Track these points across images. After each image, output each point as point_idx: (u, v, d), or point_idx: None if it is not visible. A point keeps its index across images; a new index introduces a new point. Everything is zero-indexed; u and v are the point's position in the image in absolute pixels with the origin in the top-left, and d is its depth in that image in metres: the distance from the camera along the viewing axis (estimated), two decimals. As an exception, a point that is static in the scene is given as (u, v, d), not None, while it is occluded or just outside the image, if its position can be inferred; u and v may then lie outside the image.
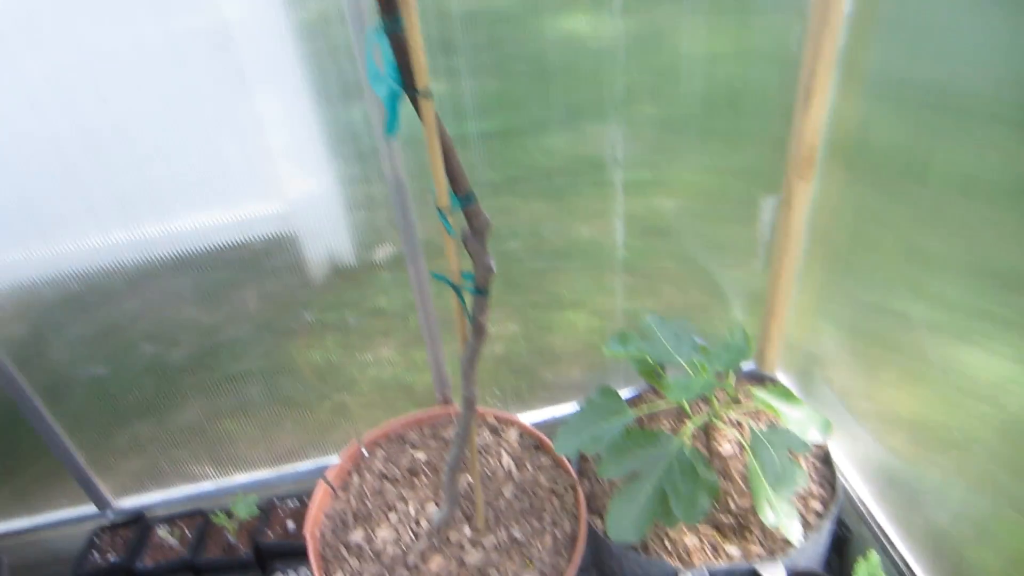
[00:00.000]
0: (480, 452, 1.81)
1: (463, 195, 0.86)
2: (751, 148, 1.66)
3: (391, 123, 0.78)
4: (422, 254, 1.67)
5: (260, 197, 1.62)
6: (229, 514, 1.92)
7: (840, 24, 1.25)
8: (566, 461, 1.76)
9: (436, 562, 1.55)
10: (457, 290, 1.04)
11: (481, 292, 0.99)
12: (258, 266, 1.67)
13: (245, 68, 1.43)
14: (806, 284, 1.77)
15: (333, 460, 1.90)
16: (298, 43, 1.42)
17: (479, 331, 1.04)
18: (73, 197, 1.52)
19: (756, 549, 1.53)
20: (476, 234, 0.94)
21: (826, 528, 1.56)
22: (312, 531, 1.65)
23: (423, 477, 1.77)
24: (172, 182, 1.54)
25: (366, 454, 1.86)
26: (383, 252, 1.72)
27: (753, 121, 1.61)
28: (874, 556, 1.39)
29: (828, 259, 1.67)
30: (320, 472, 1.80)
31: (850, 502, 1.70)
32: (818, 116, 1.35)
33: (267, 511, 1.95)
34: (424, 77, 0.72)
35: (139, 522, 2.02)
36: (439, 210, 0.89)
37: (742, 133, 1.64)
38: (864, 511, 1.64)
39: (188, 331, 1.73)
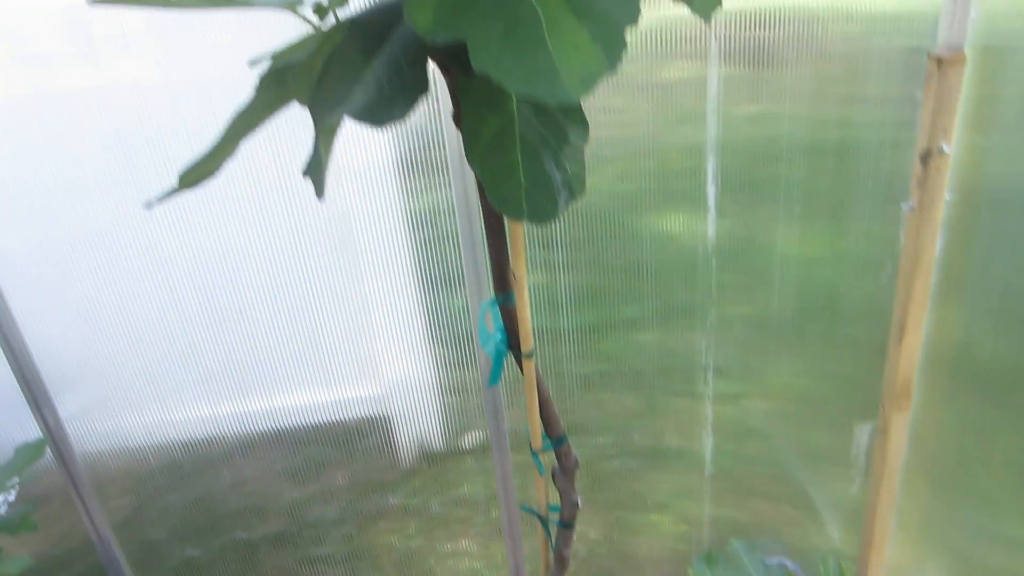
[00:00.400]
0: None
1: (556, 438, 0.87)
2: (847, 354, 1.62)
3: (495, 376, 0.82)
4: (508, 444, 1.68)
5: (358, 378, 1.68)
6: None
7: (932, 266, 1.26)
8: None
9: None
10: (544, 522, 1.04)
11: (567, 526, 0.99)
12: (350, 446, 1.70)
13: (360, 253, 1.52)
14: (908, 506, 1.66)
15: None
16: (409, 231, 1.51)
17: (562, 564, 1.03)
18: (191, 368, 1.61)
19: None
20: (565, 472, 0.95)
21: None
22: None
23: None
24: (281, 360, 1.62)
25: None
26: (470, 439, 1.73)
27: (849, 327, 1.58)
28: None
29: (932, 479, 1.57)
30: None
31: None
32: (912, 349, 1.34)
33: None
34: (529, 342, 0.76)
35: None
36: (532, 450, 0.90)
37: (838, 338, 1.61)
38: None
39: (277, 507, 1.77)
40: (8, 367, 1.53)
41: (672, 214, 1.53)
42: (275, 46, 0.57)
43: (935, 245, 1.24)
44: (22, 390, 1.55)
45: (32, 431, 1.59)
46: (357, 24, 0.48)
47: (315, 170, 0.46)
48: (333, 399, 1.67)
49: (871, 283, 1.51)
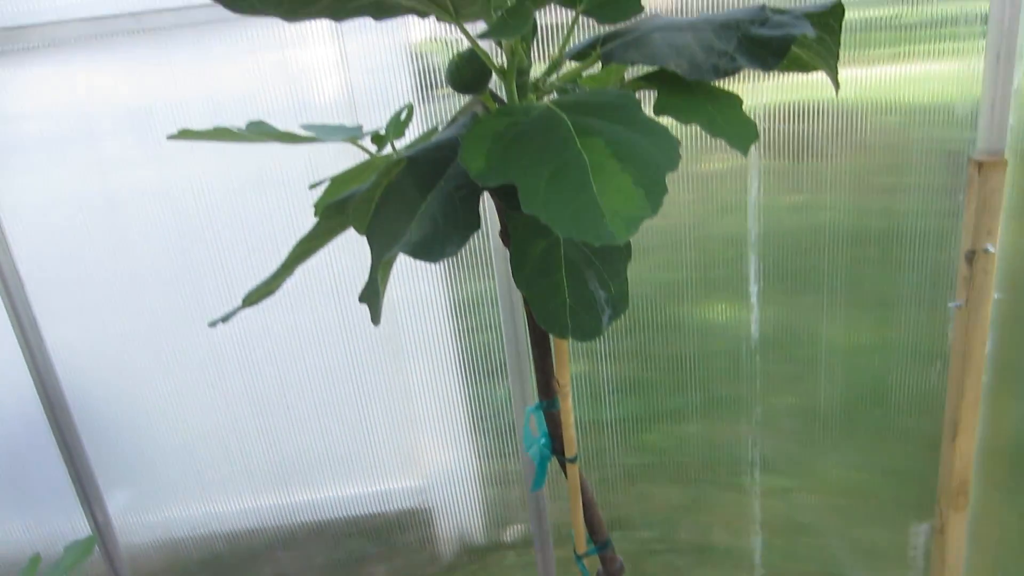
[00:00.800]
0: None
1: (600, 542, 0.86)
2: (899, 447, 1.58)
3: (539, 481, 0.82)
4: (551, 539, 1.65)
5: (400, 470, 1.68)
6: None
7: (983, 364, 1.25)
8: None
9: None
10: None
11: (613, 630, 0.96)
12: (391, 539, 1.69)
13: (404, 343, 1.54)
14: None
15: None
16: (452, 320, 1.53)
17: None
18: (236, 460, 1.63)
19: None
20: (611, 577, 0.93)
21: None
22: None
23: None
24: (324, 451, 1.63)
25: None
26: (513, 533, 1.70)
27: (900, 419, 1.55)
28: None
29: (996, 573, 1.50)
30: None
31: None
32: (967, 447, 1.31)
33: None
34: (573, 448, 0.77)
35: None
36: (576, 555, 0.89)
37: (889, 431, 1.57)
38: None
39: (316, 602, 1.75)
40: (63, 464, 1.57)
41: (715, 304, 1.53)
42: (333, 167, 0.60)
43: (985, 343, 1.22)
44: (74, 486, 1.58)
45: (80, 524, 1.62)
46: (413, 161, 0.51)
47: (372, 298, 0.48)
48: (374, 491, 1.67)
49: (921, 375, 1.49)
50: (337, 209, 0.54)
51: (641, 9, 0.52)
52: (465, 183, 0.49)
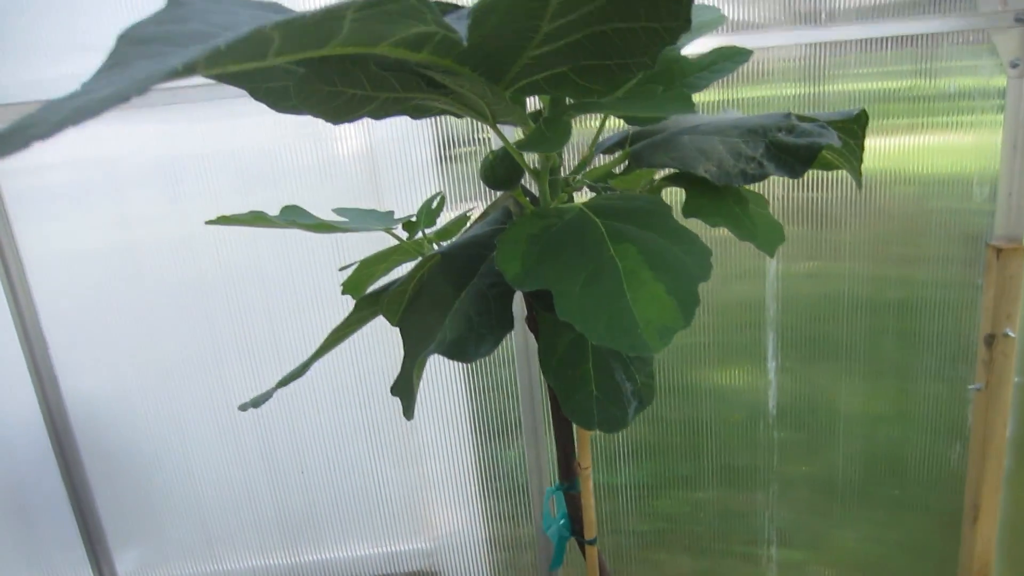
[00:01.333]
0: None
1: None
2: (918, 522, 1.55)
3: (556, 561, 0.82)
4: (562, 608, 1.62)
5: (410, 532, 1.66)
6: None
7: (1004, 448, 1.24)
8: None
9: None
10: None
11: None
12: (399, 602, 1.67)
13: (416, 403, 1.54)
14: None
15: None
16: (466, 379, 1.53)
17: None
18: (246, 517, 1.62)
19: None
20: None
21: None
22: None
23: None
24: (334, 512, 1.62)
25: None
26: (522, 598, 1.68)
27: (919, 494, 1.53)
28: None
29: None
30: None
31: None
32: (988, 531, 1.29)
33: None
34: (593, 530, 0.76)
35: None
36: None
37: (907, 506, 1.54)
38: None
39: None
40: (74, 518, 1.56)
41: (732, 369, 1.53)
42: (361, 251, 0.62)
43: (1006, 427, 1.22)
44: (84, 541, 1.57)
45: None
46: (448, 256, 0.52)
47: (406, 393, 0.49)
48: (383, 552, 1.65)
49: (940, 452, 1.47)
50: (370, 301, 0.55)
51: (666, 116, 0.53)
52: (499, 281, 0.50)
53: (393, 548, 1.65)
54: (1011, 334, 1.13)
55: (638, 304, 0.43)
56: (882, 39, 1.26)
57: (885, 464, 1.52)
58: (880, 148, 1.35)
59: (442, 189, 1.41)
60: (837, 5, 1.29)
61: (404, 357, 0.51)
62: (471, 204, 1.42)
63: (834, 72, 1.33)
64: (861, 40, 1.26)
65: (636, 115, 0.42)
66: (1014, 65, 1.16)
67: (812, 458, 1.55)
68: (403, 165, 1.40)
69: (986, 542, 1.31)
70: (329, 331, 1.44)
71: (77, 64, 1.34)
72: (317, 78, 0.43)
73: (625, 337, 0.42)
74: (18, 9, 1.32)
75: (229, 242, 1.44)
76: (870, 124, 1.33)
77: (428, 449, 1.59)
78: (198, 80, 1.28)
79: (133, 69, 0.31)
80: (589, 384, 0.58)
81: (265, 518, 1.62)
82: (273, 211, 1.39)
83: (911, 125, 1.34)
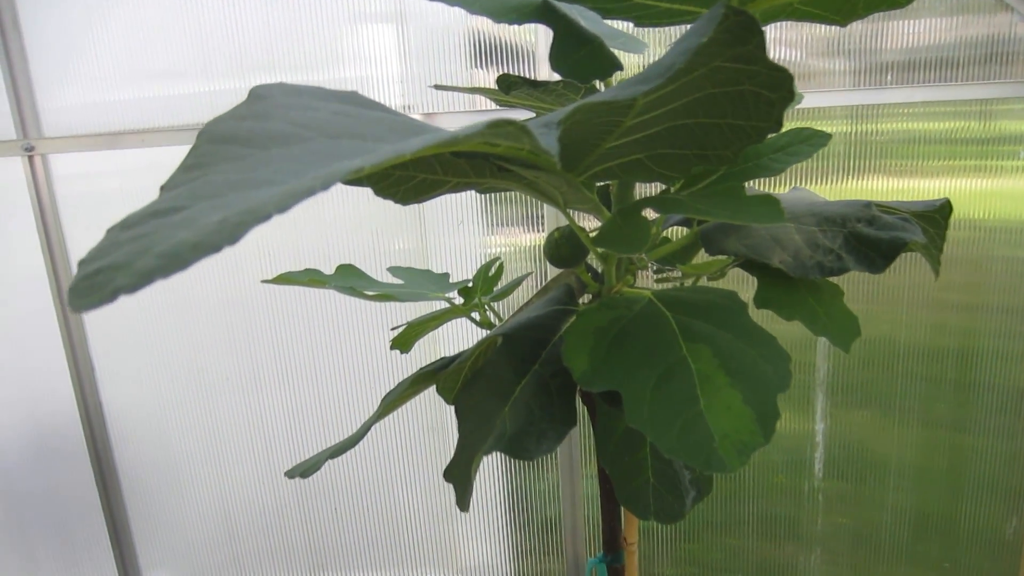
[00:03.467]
0: None
1: None
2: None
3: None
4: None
5: (436, 563, 1.64)
6: None
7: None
8: None
9: None
10: None
11: None
12: (423, 635, 1.65)
13: (449, 432, 1.53)
14: None
15: None
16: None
17: None
18: (275, 542, 1.62)
19: None
20: None
21: None
22: None
23: None
24: (361, 539, 1.61)
25: None
26: (549, 636, 1.65)
27: (970, 559, 1.47)
28: None
29: None
30: None
31: None
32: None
33: None
34: (635, 604, 0.73)
35: None
36: None
37: (954, 567, 1.49)
38: None
39: None
40: (108, 537, 1.58)
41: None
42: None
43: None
44: (116, 561, 1.59)
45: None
46: (508, 339, 0.51)
47: (461, 483, 0.47)
48: (410, 583, 1.64)
49: (995, 518, 1.42)
50: (426, 376, 0.54)
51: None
52: (562, 370, 0.49)
53: (420, 580, 1.64)
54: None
55: (712, 413, 0.41)
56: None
57: (935, 523, 1.48)
58: (942, 190, 1.31)
59: (486, 211, 1.40)
60: (903, 59, 1.26)
61: (460, 444, 0.49)
62: (516, 228, 1.41)
63: (891, 111, 1.30)
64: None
65: (719, 219, 0.41)
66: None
67: (857, 511, 1.51)
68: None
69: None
70: (366, 358, 1.43)
71: (141, 89, 1.36)
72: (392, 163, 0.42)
73: (699, 452, 0.40)
74: (83, 34, 1.34)
75: (273, 261, 1.44)
76: (932, 163, 1.30)
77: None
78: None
79: (218, 182, 0.30)
80: (646, 471, 0.56)
81: (294, 541, 1.62)
82: (316, 230, 1.41)
83: (976, 168, 1.30)
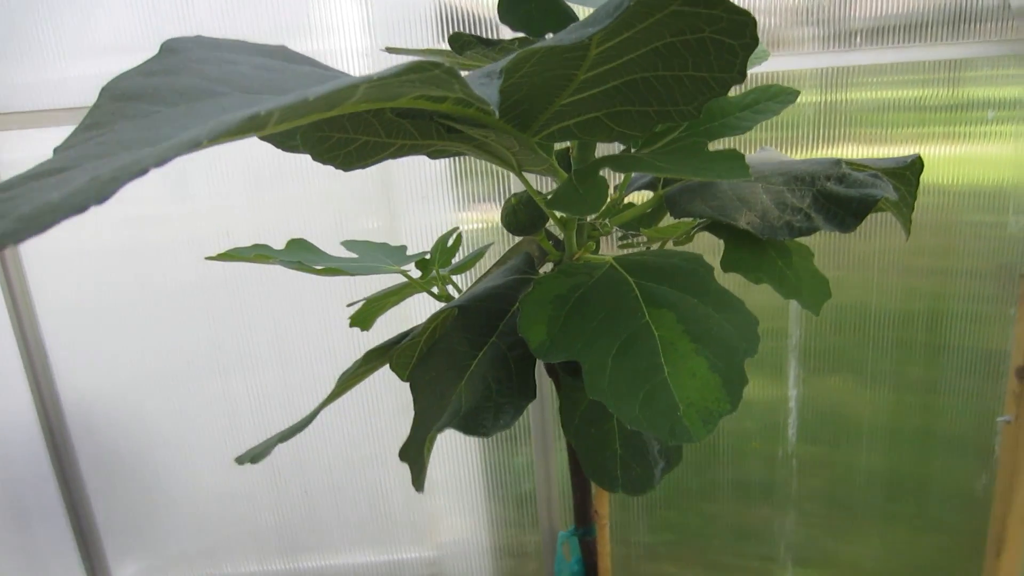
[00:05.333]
0: None
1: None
2: (939, 546, 1.52)
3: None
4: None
5: (413, 539, 1.63)
6: None
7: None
8: None
9: None
10: None
11: None
12: (402, 612, 1.64)
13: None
14: None
15: None
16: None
17: None
18: (246, 524, 1.59)
19: None
20: None
21: None
22: None
23: None
24: (335, 518, 1.59)
25: None
26: (526, 608, 1.65)
27: (941, 516, 1.49)
28: None
29: None
30: None
31: None
32: (1012, 567, 1.26)
33: None
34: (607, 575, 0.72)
35: None
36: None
37: (928, 527, 1.51)
38: None
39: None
40: (71, 530, 1.54)
41: (752, 377, 1.49)
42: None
43: (1035, 460, 1.18)
44: (80, 554, 1.55)
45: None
46: (464, 310, 0.48)
47: (415, 463, 0.45)
48: (386, 560, 1.63)
49: (965, 475, 1.43)
50: (379, 352, 0.51)
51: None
52: (520, 342, 0.46)
53: (397, 556, 1.62)
54: (1045, 367, 1.09)
55: (677, 381, 0.39)
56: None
57: (907, 484, 1.49)
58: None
59: (454, 186, 1.37)
60: (872, 25, 1.24)
61: (415, 422, 0.47)
62: (485, 204, 1.38)
63: (861, 79, 1.28)
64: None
65: (683, 176, 0.38)
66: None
67: (831, 474, 1.52)
68: (415, 161, 1.36)
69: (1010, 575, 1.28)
70: (331, 338, 1.40)
71: (93, 65, 1.30)
72: (327, 125, 0.39)
73: (664, 422, 0.38)
74: (32, 9, 1.28)
75: (233, 242, 1.40)
76: (901, 131, 1.29)
77: (433, 455, 1.54)
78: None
79: (112, 141, 0.27)
80: (613, 443, 0.54)
81: (266, 524, 1.59)
82: (282, 210, 1.37)
83: (944, 134, 1.29)
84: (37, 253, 1.40)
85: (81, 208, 0.17)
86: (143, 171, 0.18)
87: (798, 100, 0.53)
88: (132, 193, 1.08)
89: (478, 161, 1.35)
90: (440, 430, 0.42)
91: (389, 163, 1.36)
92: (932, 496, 1.48)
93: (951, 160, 1.30)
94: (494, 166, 1.17)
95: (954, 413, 1.42)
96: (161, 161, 0.18)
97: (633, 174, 0.58)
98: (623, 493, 0.54)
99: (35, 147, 1.36)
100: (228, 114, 0.24)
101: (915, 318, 1.39)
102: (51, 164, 0.25)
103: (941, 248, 1.37)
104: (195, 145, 0.19)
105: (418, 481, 0.44)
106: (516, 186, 1.34)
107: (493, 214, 1.39)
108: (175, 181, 1.37)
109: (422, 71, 0.24)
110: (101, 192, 0.17)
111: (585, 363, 0.40)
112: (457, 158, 1.35)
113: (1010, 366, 1.13)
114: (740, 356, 0.40)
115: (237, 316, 1.44)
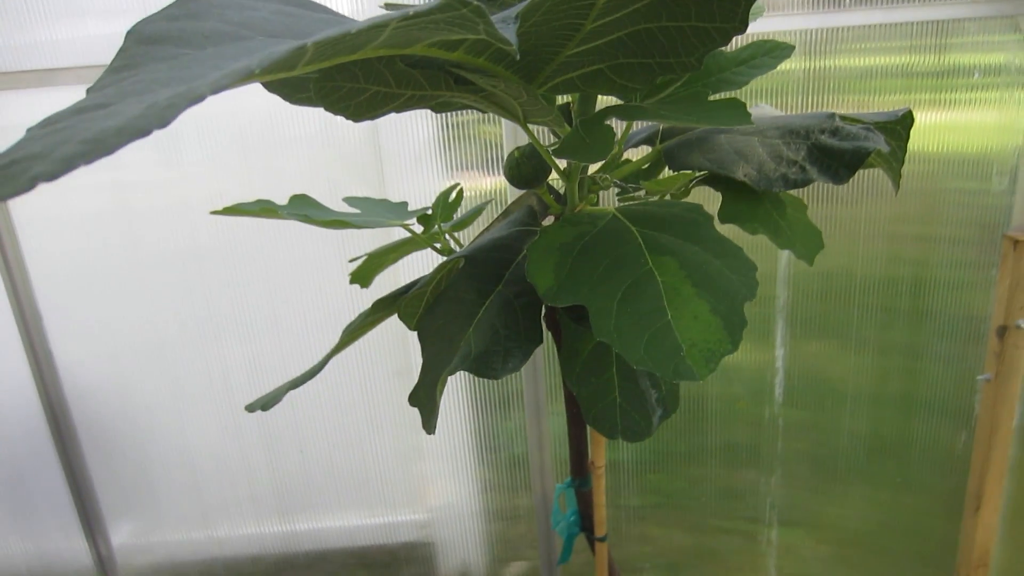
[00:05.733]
0: None
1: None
2: (920, 506, 1.56)
3: (565, 555, 0.81)
4: (559, 579, 1.63)
5: (404, 503, 1.66)
6: None
7: (1009, 440, 1.24)
8: None
9: None
10: None
11: None
12: (391, 572, 1.67)
13: (414, 372, 1.52)
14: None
15: None
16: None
17: None
18: (241, 486, 1.61)
19: None
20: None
21: None
22: None
23: None
24: (329, 481, 1.61)
25: None
26: (515, 570, 1.68)
27: (922, 475, 1.53)
28: None
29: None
30: None
31: None
32: (990, 520, 1.30)
33: None
34: (603, 527, 0.75)
35: None
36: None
37: (910, 486, 1.55)
38: None
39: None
40: (67, 487, 1.55)
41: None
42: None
43: (1012, 418, 1.21)
44: (78, 515, 1.56)
45: (79, 545, 1.60)
46: (471, 260, 0.49)
47: (426, 406, 0.47)
48: (378, 523, 1.65)
49: (945, 434, 1.47)
50: (387, 303, 0.53)
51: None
52: (526, 290, 0.48)
53: (388, 519, 1.65)
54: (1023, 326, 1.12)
55: (680, 324, 0.41)
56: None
57: (890, 445, 1.52)
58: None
59: (444, 154, 1.38)
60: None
61: (424, 367, 0.48)
62: (475, 172, 1.38)
63: (848, 46, 1.29)
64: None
65: (685, 124, 0.39)
66: (1040, 48, 1.13)
67: (816, 437, 1.55)
68: (406, 129, 1.36)
69: (987, 530, 1.32)
70: (326, 304, 1.41)
71: (75, 29, 1.29)
72: (339, 74, 0.40)
73: (668, 361, 0.39)
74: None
75: (227, 201, 1.40)
76: (887, 98, 1.30)
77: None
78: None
79: (148, 80, 0.27)
80: (612, 391, 0.56)
81: (260, 486, 1.61)
82: (273, 179, 1.37)
83: (931, 101, 1.31)
84: (30, 220, 1.40)
85: (145, 131, 0.18)
86: (200, 98, 0.19)
87: (785, 67, 0.54)
88: (124, 159, 1.09)
89: (467, 129, 1.35)
90: (452, 372, 0.43)
91: (380, 132, 1.36)
92: (913, 456, 1.51)
93: (937, 127, 1.32)
94: (483, 135, 1.17)
95: (936, 376, 1.45)
96: (216, 88, 0.19)
97: (632, 130, 0.59)
98: (623, 439, 0.56)
99: (16, 112, 1.35)
100: (261, 52, 0.25)
101: (899, 284, 1.42)
102: (91, 101, 0.26)
103: (925, 215, 1.39)
104: (248, 74, 0.20)
105: (429, 424, 0.46)
106: (503, 154, 1.34)
107: (480, 181, 1.40)
108: (167, 148, 1.36)
109: (450, 9, 0.25)
110: (162, 117, 0.18)
111: (592, 307, 0.42)
112: (446, 126, 1.35)
113: (991, 327, 1.15)
114: (740, 299, 0.42)
115: (232, 283, 1.45)
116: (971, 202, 1.34)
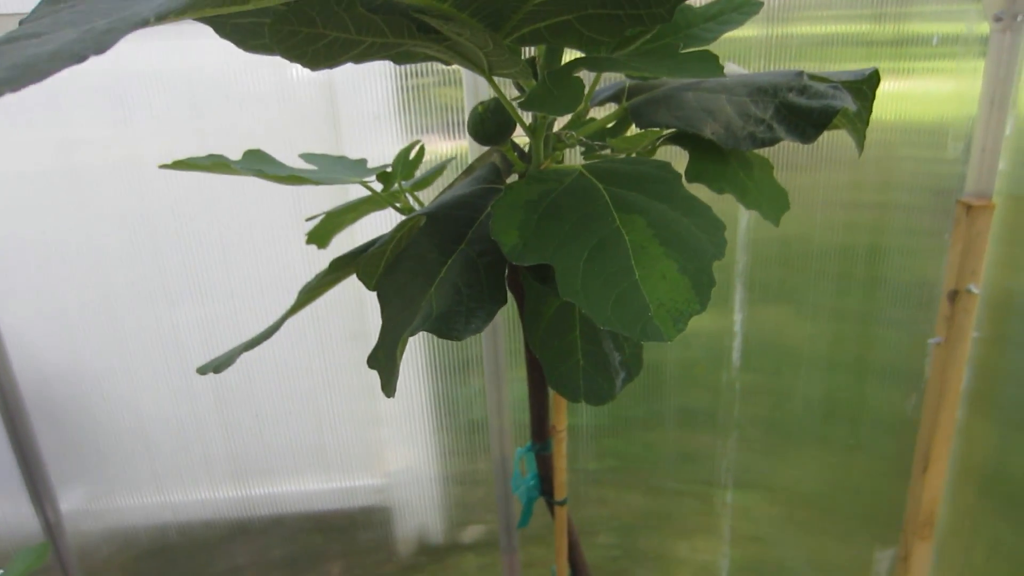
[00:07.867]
0: None
1: (583, 577, 0.85)
2: (871, 466, 1.61)
3: (525, 519, 0.81)
4: (517, 542, 1.64)
5: (361, 467, 1.65)
6: None
7: (957, 402, 1.27)
8: None
9: None
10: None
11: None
12: (348, 536, 1.66)
13: (371, 336, 1.51)
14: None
15: None
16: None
17: None
18: (194, 450, 1.58)
19: None
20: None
21: None
22: None
23: None
24: (284, 445, 1.60)
25: None
26: (473, 533, 1.69)
27: (873, 437, 1.57)
28: None
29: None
30: None
31: None
32: (937, 480, 1.34)
33: None
34: (563, 491, 0.75)
35: None
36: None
37: (861, 449, 1.59)
38: None
39: (272, 599, 1.72)
40: (14, 458, 1.50)
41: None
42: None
43: (961, 380, 1.24)
44: (24, 481, 1.52)
45: (26, 510, 1.56)
46: (433, 218, 0.48)
47: (386, 369, 0.45)
48: (335, 487, 1.64)
49: (896, 398, 1.51)
50: (345, 261, 0.51)
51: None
52: (489, 249, 0.46)
53: (345, 483, 1.64)
54: (974, 290, 1.15)
55: (648, 283, 0.40)
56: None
57: (843, 408, 1.56)
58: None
59: (402, 116, 1.35)
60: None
61: (383, 328, 0.47)
62: (434, 136, 1.36)
63: (807, 13, 1.29)
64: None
65: (656, 75, 0.38)
66: (997, 19, 1.14)
67: (771, 401, 1.58)
68: (362, 88, 1.32)
69: (933, 491, 1.36)
70: (281, 265, 1.37)
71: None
72: (296, 18, 0.38)
73: (635, 321, 0.39)
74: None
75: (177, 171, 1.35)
76: (847, 66, 1.30)
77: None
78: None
79: (87, 11, 0.25)
80: (575, 354, 0.55)
81: (214, 450, 1.59)
82: (226, 138, 1.32)
83: (888, 70, 1.31)
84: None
85: (81, 56, 0.16)
86: (144, 22, 0.17)
87: (746, 33, 0.53)
88: (72, 116, 1.04)
89: (427, 91, 1.32)
90: (413, 333, 0.42)
91: (337, 92, 1.32)
92: (865, 419, 1.55)
93: (895, 96, 1.33)
94: (442, 98, 1.14)
95: (889, 340, 1.48)
96: (161, 14, 0.17)
97: (597, 87, 0.58)
98: (585, 402, 0.55)
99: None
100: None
101: (855, 250, 1.44)
102: (23, 31, 0.23)
103: (881, 182, 1.40)
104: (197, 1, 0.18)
105: (388, 386, 0.44)
106: (463, 117, 1.32)
107: (439, 145, 1.37)
108: (116, 105, 1.31)
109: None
110: (100, 42, 0.17)
111: (558, 266, 0.41)
112: (406, 88, 1.32)
113: (942, 291, 1.18)
114: (708, 259, 0.41)
115: (183, 244, 1.40)
116: (926, 170, 1.36)
